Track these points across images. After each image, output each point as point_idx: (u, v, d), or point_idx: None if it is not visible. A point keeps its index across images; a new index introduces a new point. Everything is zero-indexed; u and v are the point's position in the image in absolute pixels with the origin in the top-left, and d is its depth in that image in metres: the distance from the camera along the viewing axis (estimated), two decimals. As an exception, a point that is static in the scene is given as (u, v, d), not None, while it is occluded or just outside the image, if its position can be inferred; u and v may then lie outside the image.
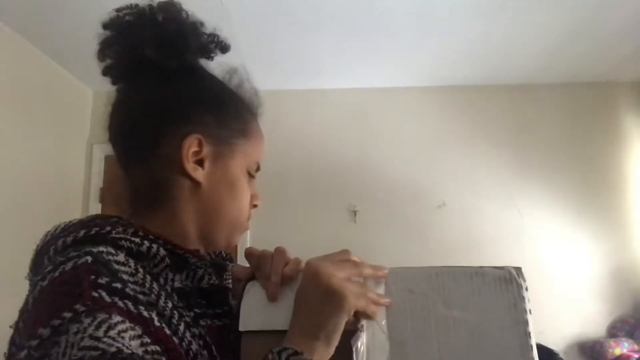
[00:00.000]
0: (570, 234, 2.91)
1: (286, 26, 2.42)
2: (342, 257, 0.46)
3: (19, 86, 2.46)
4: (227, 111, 0.57)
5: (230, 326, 0.52)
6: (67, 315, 0.36)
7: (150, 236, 0.49)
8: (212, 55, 0.59)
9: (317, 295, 0.42)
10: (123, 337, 0.36)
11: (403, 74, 3.02)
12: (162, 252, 0.48)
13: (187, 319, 0.46)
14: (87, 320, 0.36)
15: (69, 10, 2.22)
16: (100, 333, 0.35)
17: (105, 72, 0.56)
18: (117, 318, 0.38)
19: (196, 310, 0.49)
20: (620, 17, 2.35)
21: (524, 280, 0.45)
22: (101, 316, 0.37)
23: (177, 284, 0.49)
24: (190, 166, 0.53)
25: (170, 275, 0.49)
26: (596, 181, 2.95)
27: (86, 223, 0.48)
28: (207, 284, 0.52)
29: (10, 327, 0.41)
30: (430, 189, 3.01)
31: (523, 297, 0.44)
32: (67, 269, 0.41)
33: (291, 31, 2.47)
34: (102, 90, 3.13)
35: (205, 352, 0.45)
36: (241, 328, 0.47)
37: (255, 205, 0.60)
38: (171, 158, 0.53)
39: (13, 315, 0.45)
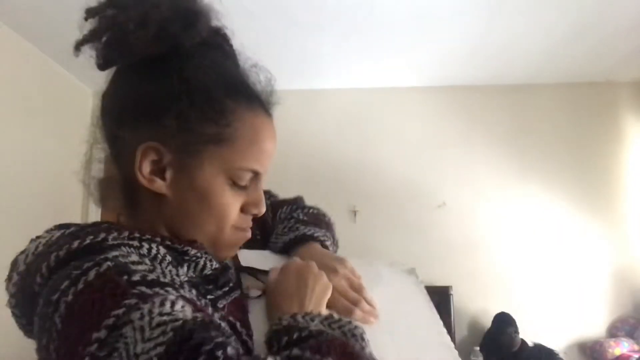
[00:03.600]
0: (570, 234, 2.91)
1: (286, 26, 2.42)
2: None
3: (19, 86, 2.46)
4: (194, 112, 0.48)
5: (239, 298, 0.53)
6: (119, 311, 0.35)
7: (147, 235, 0.48)
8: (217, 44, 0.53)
9: None
10: (187, 310, 0.37)
11: (403, 74, 3.02)
12: (162, 250, 0.48)
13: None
14: (146, 306, 0.36)
15: (69, 10, 2.21)
16: (168, 309, 0.35)
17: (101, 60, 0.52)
18: (172, 297, 0.38)
19: (209, 296, 0.49)
20: (620, 17, 2.35)
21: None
22: (158, 299, 0.37)
23: (182, 278, 0.48)
24: (144, 179, 0.48)
25: (174, 271, 0.48)
26: (596, 181, 2.95)
27: (76, 234, 0.45)
28: (210, 271, 0.52)
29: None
30: (430, 189, 3.01)
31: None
32: (90, 279, 0.39)
33: (291, 31, 2.47)
34: (102, 90, 3.13)
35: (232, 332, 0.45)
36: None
37: (255, 215, 0.55)
38: (131, 163, 0.48)
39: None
